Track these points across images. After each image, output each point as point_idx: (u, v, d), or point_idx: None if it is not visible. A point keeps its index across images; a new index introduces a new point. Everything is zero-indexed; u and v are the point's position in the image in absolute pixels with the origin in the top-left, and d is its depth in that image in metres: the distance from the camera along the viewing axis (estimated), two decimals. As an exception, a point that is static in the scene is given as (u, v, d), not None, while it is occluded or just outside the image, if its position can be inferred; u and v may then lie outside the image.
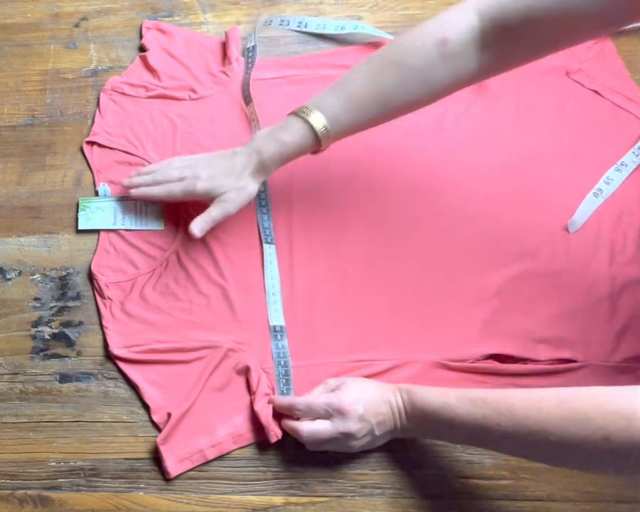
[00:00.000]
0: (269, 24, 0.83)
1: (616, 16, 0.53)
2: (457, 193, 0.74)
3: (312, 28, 0.83)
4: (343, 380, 0.63)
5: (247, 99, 0.78)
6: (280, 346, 0.68)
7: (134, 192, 0.70)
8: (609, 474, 0.61)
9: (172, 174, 0.68)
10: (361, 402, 0.60)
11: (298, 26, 0.83)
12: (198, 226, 0.65)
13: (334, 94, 0.63)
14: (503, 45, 0.57)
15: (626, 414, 0.46)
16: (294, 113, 0.64)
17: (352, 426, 0.59)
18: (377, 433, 0.60)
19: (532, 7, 0.54)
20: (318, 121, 0.62)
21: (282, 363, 0.67)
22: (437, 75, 0.59)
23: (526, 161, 0.76)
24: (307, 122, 0.63)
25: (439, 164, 0.76)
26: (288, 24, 0.83)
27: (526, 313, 0.69)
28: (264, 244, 0.72)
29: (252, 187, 0.67)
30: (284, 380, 0.66)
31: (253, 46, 0.80)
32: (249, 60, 0.80)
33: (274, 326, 0.69)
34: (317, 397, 0.62)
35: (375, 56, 0.62)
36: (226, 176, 0.66)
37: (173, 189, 0.68)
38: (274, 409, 0.65)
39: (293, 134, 0.64)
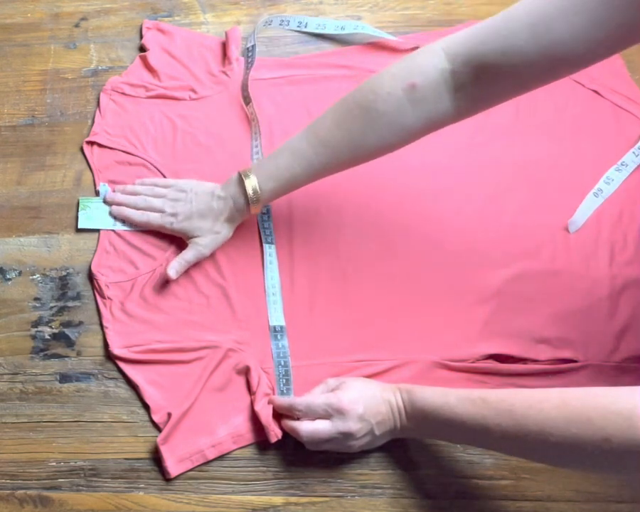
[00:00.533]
0: (269, 24, 0.83)
1: (596, 55, 0.53)
2: (457, 193, 0.74)
3: (312, 28, 0.83)
4: (342, 380, 0.63)
5: (247, 99, 0.78)
6: (280, 346, 0.68)
7: (114, 209, 0.73)
8: (609, 475, 0.61)
9: (154, 203, 0.71)
10: (361, 401, 0.60)
11: (298, 26, 0.83)
12: (174, 269, 0.68)
13: (305, 138, 0.63)
14: (479, 86, 0.56)
15: (626, 414, 0.46)
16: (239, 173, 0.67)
17: (352, 426, 0.59)
18: (377, 433, 0.60)
19: (509, 48, 0.53)
20: (250, 184, 0.65)
21: (282, 363, 0.67)
22: (408, 119, 0.58)
23: (526, 161, 0.76)
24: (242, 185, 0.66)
25: (439, 164, 0.76)
26: (288, 24, 0.83)
27: (526, 313, 0.69)
28: (264, 245, 0.72)
29: (226, 232, 0.70)
30: (284, 380, 0.66)
31: (252, 46, 0.80)
32: (249, 60, 0.80)
33: (274, 326, 0.69)
34: (317, 397, 0.62)
35: (345, 100, 0.62)
36: (202, 218, 0.69)
37: (151, 220, 0.71)
38: (274, 409, 0.65)
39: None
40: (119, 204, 0.73)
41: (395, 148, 0.62)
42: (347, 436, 0.60)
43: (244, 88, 0.78)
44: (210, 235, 0.69)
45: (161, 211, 0.70)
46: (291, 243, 0.72)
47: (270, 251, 0.72)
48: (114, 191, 0.74)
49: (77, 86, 0.81)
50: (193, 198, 0.69)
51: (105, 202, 0.74)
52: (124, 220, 0.73)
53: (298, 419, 0.62)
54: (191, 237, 0.69)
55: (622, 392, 0.48)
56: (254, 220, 0.73)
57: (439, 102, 0.57)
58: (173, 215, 0.70)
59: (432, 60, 0.57)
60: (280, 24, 0.83)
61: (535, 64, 0.53)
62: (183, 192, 0.70)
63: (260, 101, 0.78)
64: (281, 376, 0.66)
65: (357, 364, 0.67)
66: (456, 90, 0.57)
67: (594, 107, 0.78)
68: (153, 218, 0.71)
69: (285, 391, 0.66)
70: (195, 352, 0.68)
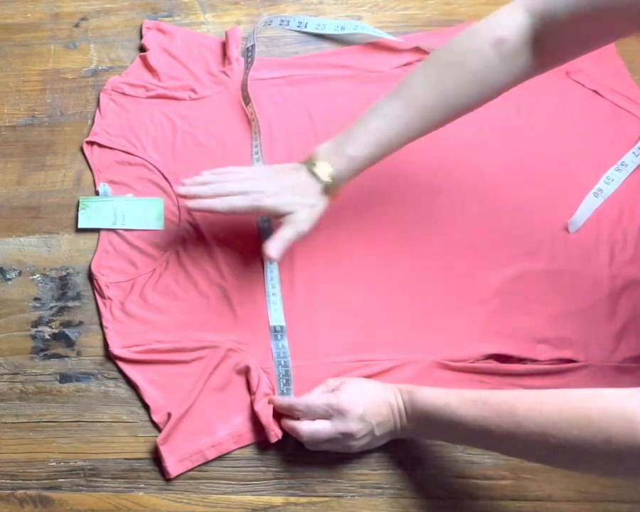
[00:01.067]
0: (269, 24, 0.83)
1: None
2: (457, 193, 0.74)
3: (312, 28, 0.83)
4: (343, 380, 0.63)
5: (246, 99, 0.78)
6: (280, 346, 0.68)
7: (191, 204, 0.65)
8: (610, 476, 0.61)
9: (232, 187, 0.65)
10: (361, 402, 0.60)
11: (298, 26, 0.83)
12: (274, 250, 0.62)
13: (396, 102, 0.62)
14: (553, 41, 0.57)
15: (628, 416, 0.46)
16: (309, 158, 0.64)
17: (352, 426, 0.59)
18: (377, 433, 0.60)
19: (580, 2, 0.54)
20: (326, 172, 0.63)
21: (282, 363, 0.67)
22: (495, 75, 0.59)
23: (526, 161, 0.76)
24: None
25: (439, 164, 0.76)
26: (288, 24, 0.83)
27: (526, 313, 0.69)
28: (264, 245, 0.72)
29: (322, 205, 0.64)
30: (284, 380, 0.66)
31: (252, 45, 0.80)
32: (248, 59, 0.80)
33: (275, 326, 0.69)
34: (317, 397, 0.62)
35: (431, 61, 0.62)
36: (293, 192, 0.63)
37: (236, 203, 0.64)
38: (274, 409, 0.65)
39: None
40: (194, 197, 0.66)
41: (479, 105, 0.62)
42: (347, 436, 0.59)
43: (244, 88, 0.78)
44: (305, 209, 0.63)
45: (244, 194, 0.64)
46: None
47: None
48: (116, 188, 0.74)
49: (77, 86, 0.81)
50: (278, 175, 0.65)
51: (180, 195, 0.67)
52: (124, 219, 0.73)
53: (298, 419, 0.62)
54: (284, 215, 0.63)
55: (623, 393, 0.48)
56: (254, 220, 0.73)
57: (523, 57, 0.58)
58: (260, 192, 0.63)
59: (515, 15, 0.58)
60: (280, 24, 0.83)
61: (603, 19, 0.54)
62: (261, 173, 0.66)
63: (260, 101, 0.78)
64: (281, 376, 0.66)
65: (357, 364, 0.67)
66: (535, 45, 0.57)
67: (594, 107, 0.78)
68: (238, 201, 0.64)
69: (285, 391, 0.66)
70: (195, 352, 0.68)
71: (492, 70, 0.59)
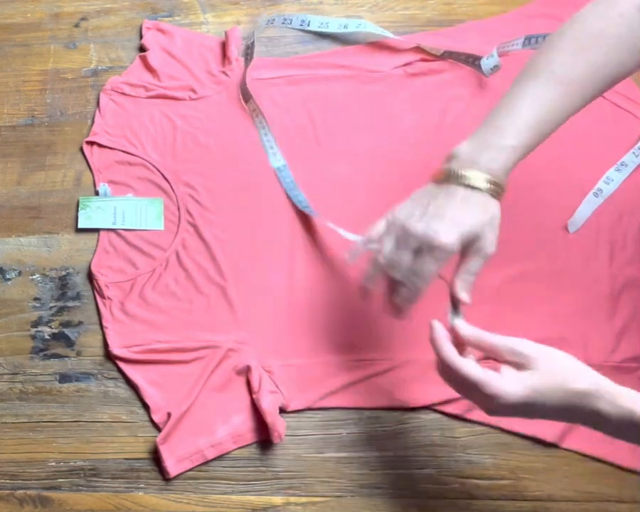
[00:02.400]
0: (272, 23, 0.83)
1: None
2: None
3: (315, 27, 0.82)
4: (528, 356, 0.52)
5: (247, 95, 0.78)
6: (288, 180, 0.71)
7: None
8: None
9: (402, 261, 0.56)
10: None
11: (300, 25, 0.83)
12: (466, 292, 0.57)
13: (541, 82, 0.56)
14: None
15: None
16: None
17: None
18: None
19: None
20: (479, 177, 0.54)
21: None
22: None
23: (526, 161, 0.75)
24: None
25: (438, 163, 0.76)
26: (290, 23, 0.83)
27: (526, 313, 0.69)
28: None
29: (497, 209, 0.56)
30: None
31: (252, 42, 0.80)
32: (247, 56, 0.80)
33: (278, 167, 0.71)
34: (511, 340, 0.53)
35: (570, 34, 0.57)
36: (467, 214, 0.54)
37: (422, 278, 0.57)
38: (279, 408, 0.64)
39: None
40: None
41: (631, 73, 0.58)
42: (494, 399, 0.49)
43: (242, 83, 0.78)
44: (486, 226, 0.55)
45: (418, 254, 0.56)
46: (291, 243, 0.72)
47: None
48: (116, 188, 0.74)
49: (77, 86, 0.81)
50: (438, 211, 0.56)
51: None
52: (124, 219, 0.73)
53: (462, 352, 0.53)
54: (468, 245, 0.56)
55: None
56: (254, 220, 0.73)
57: None
58: (435, 231, 0.54)
59: None
60: (283, 23, 0.83)
61: None
62: (427, 207, 0.57)
63: (260, 101, 0.78)
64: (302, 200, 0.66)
65: (357, 364, 0.67)
66: None
67: (594, 107, 0.77)
68: (420, 278, 0.58)
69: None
70: (195, 352, 0.68)
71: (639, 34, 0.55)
